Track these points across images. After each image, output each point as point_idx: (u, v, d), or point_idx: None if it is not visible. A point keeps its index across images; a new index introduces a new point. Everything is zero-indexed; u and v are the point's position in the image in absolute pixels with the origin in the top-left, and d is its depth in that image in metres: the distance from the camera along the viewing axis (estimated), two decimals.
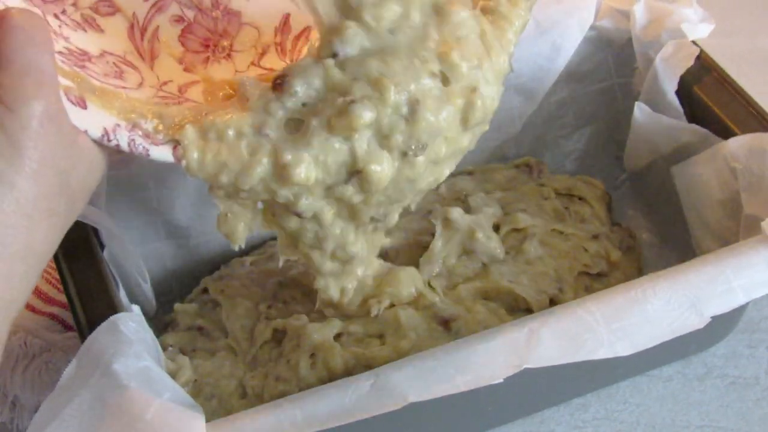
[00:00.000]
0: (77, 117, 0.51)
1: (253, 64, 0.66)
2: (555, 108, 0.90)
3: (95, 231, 0.68)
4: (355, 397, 0.56)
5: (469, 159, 0.89)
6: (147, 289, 0.75)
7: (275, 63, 0.66)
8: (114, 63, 0.60)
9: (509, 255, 0.78)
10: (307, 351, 0.70)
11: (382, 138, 0.58)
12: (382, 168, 0.59)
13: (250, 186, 0.58)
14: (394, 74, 0.57)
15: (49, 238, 0.50)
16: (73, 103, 0.51)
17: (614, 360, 0.59)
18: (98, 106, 0.53)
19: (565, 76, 0.86)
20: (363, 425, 0.56)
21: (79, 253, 0.67)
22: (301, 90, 0.57)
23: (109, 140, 0.52)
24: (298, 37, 0.67)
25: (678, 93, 0.77)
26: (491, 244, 0.77)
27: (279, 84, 0.57)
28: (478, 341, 0.59)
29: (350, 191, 0.60)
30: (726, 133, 0.73)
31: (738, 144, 0.71)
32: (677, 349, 0.77)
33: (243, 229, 0.63)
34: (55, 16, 0.59)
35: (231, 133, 0.57)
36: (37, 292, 0.82)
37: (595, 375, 0.75)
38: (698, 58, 0.77)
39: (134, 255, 0.73)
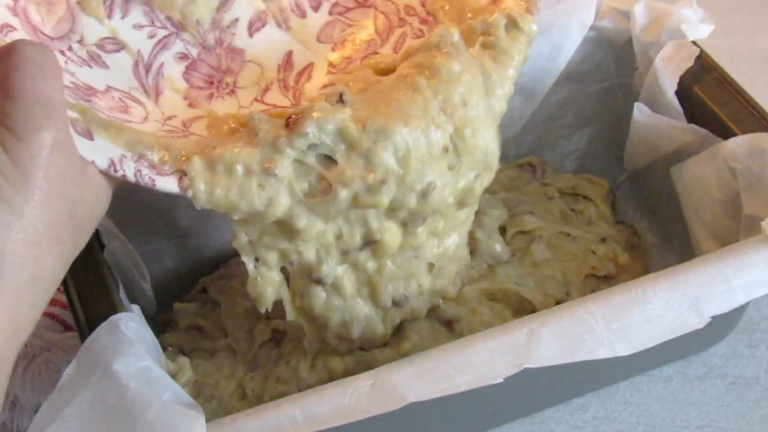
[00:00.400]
0: (84, 148, 0.52)
1: (256, 100, 0.67)
2: (555, 108, 0.90)
3: (96, 231, 0.68)
4: (355, 397, 0.56)
5: None
6: (147, 289, 0.75)
7: (278, 99, 0.67)
8: (119, 98, 0.61)
9: (515, 257, 0.78)
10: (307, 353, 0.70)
11: (390, 211, 0.61)
12: (391, 236, 0.63)
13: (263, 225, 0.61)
14: (417, 147, 0.59)
15: (56, 266, 0.51)
16: (80, 134, 0.52)
17: (614, 360, 0.59)
18: (104, 137, 0.54)
19: (566, 76, 0.86)
20: (363, 425, 0.57)
21: (79, 253, 0.67)
22: (313, 132, 0.58)
23: (115, 171, 0.53)
24: (300, 74, 0.68)
25: (678, 93, 0.77)
26: (493, 245, 0.77)
27: (293, 122, 0.58)
28: (478, 341, 0.59)
29: (364, 257, 0.64)
30: (726, 133, 0.73)
31: (738, 144, 0.71)
32: (677, 349, 0.77)
33: (271, 293, 0.64)
34: (61, 52, 0.60)
35: (239, 168, 0.57)
36: None
37: (595, 375, 0.75)
38: (698, 58, 0.77)
39: (134, 255, 0.73)
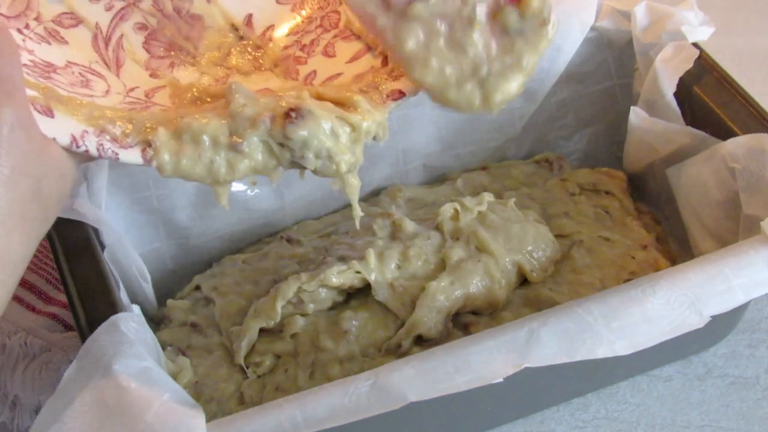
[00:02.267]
0: (45, 125, 0.51)
1: (217, 65, 0.66)
2: (555, 109, 0.90)
3: (96, 231, 0.68)
4: (355, 397, 0.56)
5: (469, 160, 0.90)
6: (147, 288, 0.75)
7: (240, 62, 0.66)
8: (80, 73, 0.60)
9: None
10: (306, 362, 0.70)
11: None
12: None
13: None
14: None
15: (24, 245, 0.50)
16: (40, 113, 0.52)
17: (614, 360, 0.59)
18: (65, 114, 0.54)
19: (566, 76, 0.86)
20: (363, 425, 0.56)
21: (79, 253, 0.67)
22: (301, 137, 0.57)
23: (78, 146, 0.53)
24: (262, 35, 0.67)
25: (678, 93, 0.77)
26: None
27: (290, 116, 0.57)
28: (478, 341, 0.59)
29: None
30: (726, 133, 0.73)
31: (737, 144, 0.71)
32: (678, 349, 0.77)
33: None
34: (18, 31, 0.59)
35: (206, 139, 0.57)
36: (37, 292, 0.82)
37: (596, 375, 0.75)
38: (698, 57, 0.77)
39: (134, 255, 0.73)
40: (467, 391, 0.57)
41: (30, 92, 0.52)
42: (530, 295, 0.74)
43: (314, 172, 0.59)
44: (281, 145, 0.57)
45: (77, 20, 0.63)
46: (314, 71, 0.64)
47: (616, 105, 0.89)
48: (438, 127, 0.86)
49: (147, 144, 0.56)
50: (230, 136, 0.57)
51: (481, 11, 0.58)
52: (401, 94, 0.61)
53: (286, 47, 0.67)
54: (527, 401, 0.73)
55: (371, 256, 0.73)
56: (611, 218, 0.83)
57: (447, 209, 0.78)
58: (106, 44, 0.64)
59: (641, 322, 0.59)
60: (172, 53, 0.66)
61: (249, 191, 0.82)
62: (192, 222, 0.81)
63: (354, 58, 0.64)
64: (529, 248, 0.76)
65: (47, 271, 0.83)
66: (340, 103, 0.60)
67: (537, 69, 0.83)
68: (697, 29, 0.78)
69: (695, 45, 0.78)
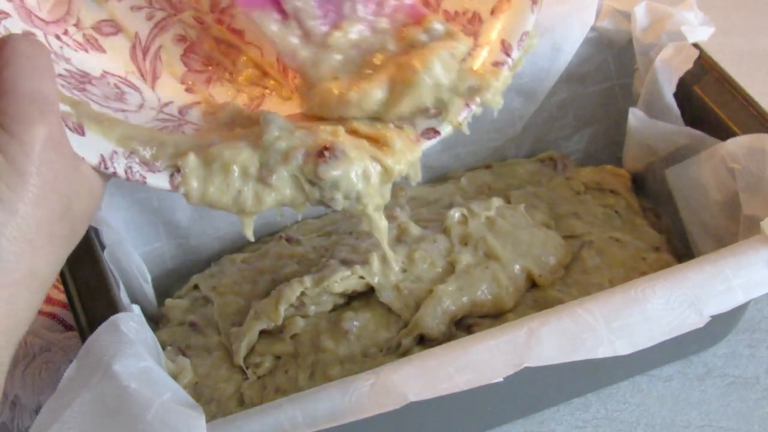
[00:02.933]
0: (75, 143, 0.51)
1: (254, 83, 0.66)
2: (555, 109, 0.90)
3: (96, 231, 0.68)
4: (355, 397, 0.56)
5: (469, 160, 0.90)
6: (147, 288, 0.75)
7: (277, 84, 0.66)
8: (115, 84, 0.60)
9: None
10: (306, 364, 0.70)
11: None
12: None
13: None
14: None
15: (51, 263, 0.50)
16: (71, 130, 0.52)
17: (614, 359, 0.59)
18: (96, 132, 0.53)
19: (566, 77, 0.86)
20: (363, 425, 0.56)
21: (79, 253, 0.66)
22: (332, 177, 0.56)
23: (106, 168, 0.52)
24: None
25: (678, 93, 0.77)
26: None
27: (324, 154, 0.56)
28: (478, 340, 0.59)
29: None
30: (726, 133, 0.73)
31: (737, 145, 0.71)
32: (678, 349, 0.77)
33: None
34: (57, 37, 0.59)
35: (236, 169, 0.56)
36: None
37: (596, 374, 0.75)
38: (698, 57, 0.77)
39: (134, 255, 0.73)
40: (467, 391, 0.57)
41: (63, 107, 0.52)
42: (538, 297, 0.74)
43: (341, 210, 0.59)
44: (311, 182, 0.56)
45: (117, 29, 0.63)
46: None
47: (616, 105, 0.89)
48: None
49: (176, 169, 0.55)
50: (260, 168, 0.56)
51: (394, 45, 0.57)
52: (435, 133, 0.60)
53: None
54: (527, 401, 0.73)
55: (375, 260, 0.73)
56: (620, 218, 0.82)
57: (454, 214, 0.78)
58: (144, 55, 0.63)
59: (641, 321, 0.59)
60: (210, 68, 0.65)
61: None
62: (192, 222, 0.81)
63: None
64: (538, 253, 0.76)
65: None
66: (374, 140, 0.59)
67: (537, 69, 0.84)
68: (697, 29, 0.78)
69: (695, 45, 0.78)
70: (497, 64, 0.60)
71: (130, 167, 0.54)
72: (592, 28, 0.84)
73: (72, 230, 0.52)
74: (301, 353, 0.71)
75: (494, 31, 0.61)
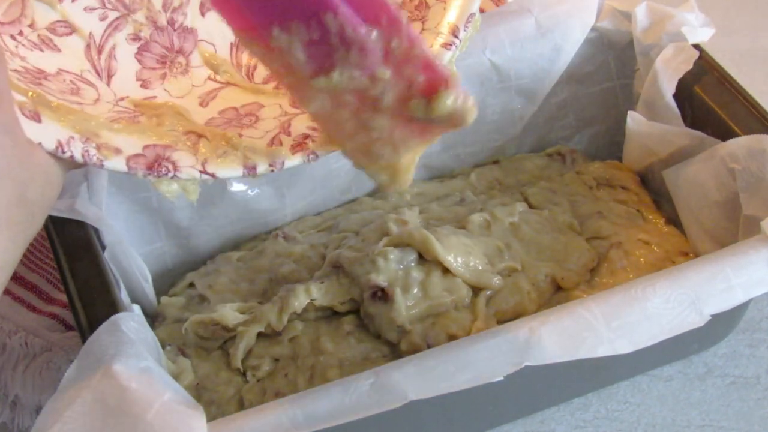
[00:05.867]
0: (31, 130, 0.51)
1: (210, 78, 0.66)
2: (556, 109, 0.90)
3: (96, 231, 0.68)
4: (355, 396, 0.56)
5: (470, 160, 0.90)
6: (148, 288, 0.75)
7: (232, 77, 0.66)
8: (71, 81, 0.60)
9: None
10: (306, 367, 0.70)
11: None
12: None
13: None
14: None
15: (9, 249, 0.50)
16: (27, 117, 0.51)
17: (615, 359, 0.59)
18: (52, 119, 0.53)
19: (566, 77, 0.86)
20: (363, 424, 0.57)
21: (80, 253, 0.67)
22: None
23: (63, 152, 0.52)
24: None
25: (678, 93, 0.77)
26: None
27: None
28: (479, 339, 0.59)
29: None
30: (726, 133, 0.73)
31: (737, 145, 0.71)
32: (678, 349, 0.77)
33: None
34: (12, 37, 0.59)
35: None
36: (38, 292, 0.82)
37: (596, 374, 0.75)
38: (699, 57, 0.77)
39: (135, 255, 0.73)
40: (467, 390, 0.57)
41: (19, 97, 0.52)
42: (561, 299, 0.74)
43: None
44: None
45: (71, 29, 0.63)
46: None
47: (617, 106, 0.89)
48: None
49: None
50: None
51: (389, 97, 0.54)
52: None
53: None
54: (527, 401, 0.73)
55: (398, 295, 0.71)
56: (643, 218, 0.82)
57: (477, 218, 0.77)
58: (99, 54, 0.64)
59: (641, 320, 0.59)
60: (165, 65, 0.66)
61: (250, 191, 0.82)
62: (192, 222, 0.81)
63: None
64: (562, 258, 0.76)
65: (47, 271, 0.83)
66: None
67: (537, 69, 0.84)
68: (698, 31, 0.78)
69: (695, 46, 0.78)
70: (446, 46, 0.60)
71: (87, 151, 0.53)
72: (593, 29, 0.84)
73: (29, 216, 0.51)
74: (300, 356, 0.71)
75: (441, 15, 0.62)
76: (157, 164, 0.55)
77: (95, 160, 0.53)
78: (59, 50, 0.62)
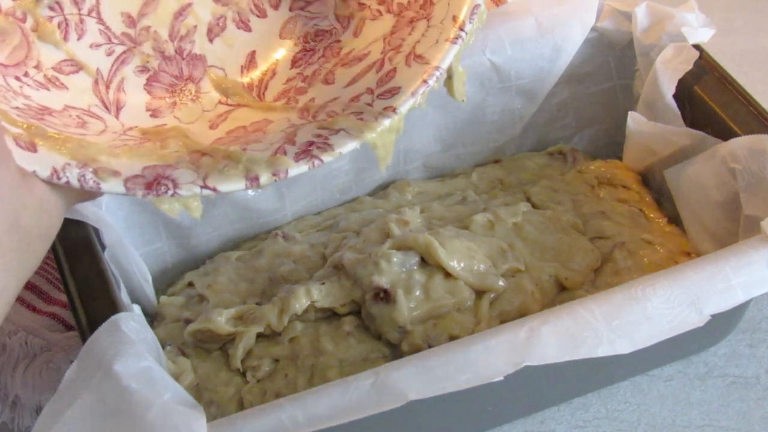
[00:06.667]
0: (26, 160, 0.51)
1: (221, 102, 0.66)
2: (556, 109, 0.90)
3: (96, 231, 0.68)
4: (355, 395, 0.56)
5: (470, 161, 0.90)
6: (148, 288, 0.75)
7: (242, 98, 0.66)
8: (77, 116, 0.60)
9: None
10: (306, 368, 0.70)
11: None
12: None
13: None
14: None
15: (1, 278, 0.49)
16: (22, 148, 0.51)
17: (615, 359, 0.59)
18: (49, 149, 0.53)
19: (566, 77, 0.86)
20: (363, 424, 0.57)
21: (80, 253, 0.67)
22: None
23: (59, 178, 0.52)
24: (265, 72, 0.67)
25: (678, 93, 0.77)
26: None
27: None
28: (479, 339, 0.59)
29: None
30: (726, 133, 0.73)
31: (737, 145, 0.71)
32: (678, 349, 0.77)
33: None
34: (17, 78, 0.59)
35: None
36: (38, 292, 0.82)
37: (596, 374, 0.75)
38: (699, 57, 0.77)
39: (135, 255, 0.73)
40: (468, 390, 0.57)
41: (14, 130, 0.52)
42: (565, 299, 0.73)
43: None
44: None
45: (78, 67, 0.63)
46: (313, 98, 0.64)
47: (617, 106, 0.89)
48: (438, 128, 0.87)
49: None
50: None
51: None
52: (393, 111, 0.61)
53: (289, 80, 0.67)
54: (528, 401, 0.73)
55: (400, 296, 0.71)
56: (645, 217, 0.82)
57: (480, 219, 0.77)
58: (107, 88, 0.63)
59: (641, 320, 0.59)
60: (174, 94, 0.66)
61: (249, 191, 0.82)
62: (192, 222, 0.81)
63: (352, 82, 0.64)
64: (566, 259, 0.76)
65: (47, 271, 0.83)
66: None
67: (537, 69, 0.84)
68: (698, 31, 0.78)
69: (696, 46, 0.78)
70: (453, 40, 0.61)
71: (83, 176, 0.53)
72: (593, 29, 0.84)
73: (23, 244, 0.50)
74: (299, 356, 0.71)
75: (446, 9, 0.62)
76: (156, 183, 0.54)
77: (92, 183, 0.53)
78: (66, 88, 0.62)
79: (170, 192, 0.54)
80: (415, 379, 0.57)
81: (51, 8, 0.62)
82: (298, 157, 0.56)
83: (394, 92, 0.60)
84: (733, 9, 1.16)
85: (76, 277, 0.65)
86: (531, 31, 0.83)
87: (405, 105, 0.59)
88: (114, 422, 0.53)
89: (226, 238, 0.83)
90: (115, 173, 0.54)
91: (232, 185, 0.55)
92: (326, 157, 0.57)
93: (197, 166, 0.56)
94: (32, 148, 0.52)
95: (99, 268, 0.66)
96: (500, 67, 0.84)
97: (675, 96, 0.77)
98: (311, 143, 0.57)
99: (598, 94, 0.90)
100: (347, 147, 0.57)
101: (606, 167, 0.86)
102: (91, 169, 0.53)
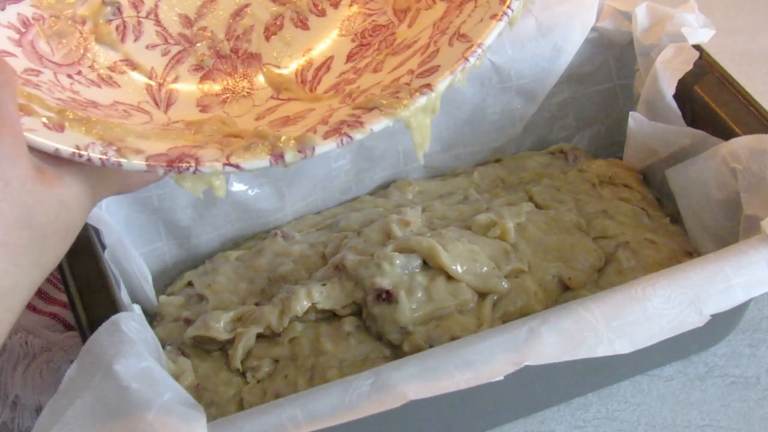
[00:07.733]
0: (50, 138, 0.50)
1: (272, 98, 0.66)
2: (556, 109, 0.90)
3: (96, 231, 0.68)
4: (355, 395, 0.56)
5: (470, 160, 0.90)
6: (148, 288, 0.75)
7: (294, 92, 0.66)
8: (124, 110, 0.60)
9: None
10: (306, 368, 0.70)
11: None
12: None
13: None
14: None
15: (10, 272, 0.48)
16: (49, 129, 0.51)
17: (615, 359, 0.59)
18: (77, 131, 0.53)
19: (566, 77, 0.87)
20: (363, 424, 0.56)
21: (80, 253, 0.67)
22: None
23: (80, 156, 0.51)
24: (319, 69, 0.67)
25: (679, 93, 0.77)
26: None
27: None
28: (479, 339, 0.59)
29: None
30: (727, 133, 0.73)
31: (738, 145, 0.71)
32: (678, 349, 0.77)
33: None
34: (69, 75, 0.59)
35: None
36: (38, 292, 0.82)
37: (596, 374, 0.75)
38: (699, 57, 0.77)
39: (135, 255, 0.73)
40: (467, 390, 0.57)
41: (46, 113, 0.52)
42: (569, 299, 0.73)
43: None
44: None
45: (133, 66, 0.63)
46: (359, 86, 0.64)
47: (617, 106, 0.89)
48: (438, 128, 0.86)
49: None
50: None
51: None
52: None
53: (342, 73, 0.66)
54: (527, 401, 0.73)
55: (402, 297, 0.71)
56: (648, 216, 0.82)
57: (482, 219, 0.77)
58: (160, 86, 0.63)
59: (641, 320, 0.59)
60: (227, 90, 0.65)
61: (250, 191, 0.82)
62: (192, 222, 0.81)
63: (397, 67, 0.63)
64: (569, 259, 0.76)
65: None
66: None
67: (538, 69, 0.84)
68: (698, 31, 0.78)
69: (696, 46, 0.78)
70: (499, 17, 0.60)
71: (106, 153, 0.52)
72: (593, 29, 0.84)
73: (38, 240, 0.50)
74: (299, 356, 0.71)
75: None
76: (178, 160, 0.53)
77: (113, 161, 0.52)
78: (119, 86, 0.61)
79: (192, 169, 0.53)
80: (415, 380, 0.56)
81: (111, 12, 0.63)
82: (327, 135, 0.55)
83: (433, 71, 0.59)
84: (733, 9, 1.16)
85: (76, 277, 0.65)
86: (531, 31, 0.83)
87: (443, 83, 0.58)
88: (114, 422, 0.53)
89: (226, 237, 0.83)
90: (138, 151, 0.53)
91: (257, 162, 0.54)
92: (356, 134, 0.55)
93: (224, 146, 0.55)
94: (60, 129, 0.52)
95: (99, 268, 0.66)
96: (500, 67, 0.84)
97: (675, 96, 0.77)
98: (343, 122, 0.56)
99: (598, 94, 0.90)
100: (379, 124, 0.56)
101: (607, 166, 0.86)
102: (115, 148, 0.53)
